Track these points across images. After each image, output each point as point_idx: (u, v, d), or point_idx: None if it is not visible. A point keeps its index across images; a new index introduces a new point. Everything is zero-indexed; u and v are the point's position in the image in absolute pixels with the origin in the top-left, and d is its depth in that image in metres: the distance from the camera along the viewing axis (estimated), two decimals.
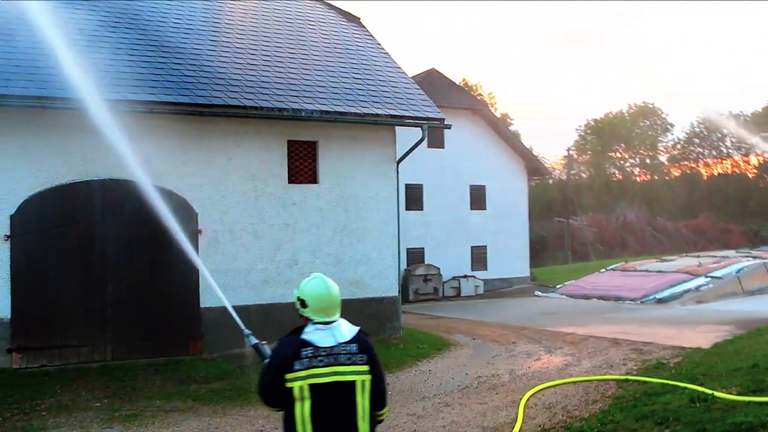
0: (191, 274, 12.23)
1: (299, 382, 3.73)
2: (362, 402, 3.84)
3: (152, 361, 11.61)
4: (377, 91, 14.05)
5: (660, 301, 20.79)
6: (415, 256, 25.61)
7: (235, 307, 12.30)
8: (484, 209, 26.98)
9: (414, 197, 25.62)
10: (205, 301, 12.31)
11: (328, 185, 13.43)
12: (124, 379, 10.44)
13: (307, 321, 3.95)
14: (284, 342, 3.93)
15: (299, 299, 4.00)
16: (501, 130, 27.69)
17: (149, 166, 11.75)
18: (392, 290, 13.99)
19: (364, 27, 16.85)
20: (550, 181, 51.59)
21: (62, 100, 11.05)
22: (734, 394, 7.72)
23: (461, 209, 26.57)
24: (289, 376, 3.74)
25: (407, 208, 25.41)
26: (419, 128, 14.32)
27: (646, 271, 24.63)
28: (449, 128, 14.19)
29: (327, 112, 12.78)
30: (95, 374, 10.75)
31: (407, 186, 25.37)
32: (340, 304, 4.05)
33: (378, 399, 4.00)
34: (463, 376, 10.75)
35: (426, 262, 25.59)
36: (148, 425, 8.10)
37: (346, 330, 3.95)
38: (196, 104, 11.80)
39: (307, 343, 3.81)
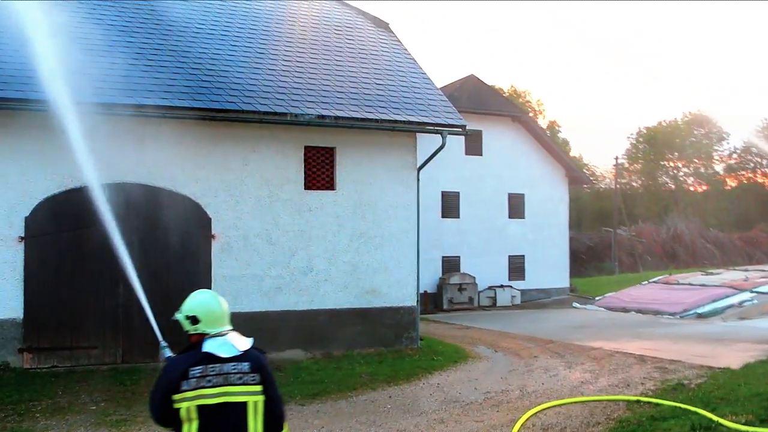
0: (204, 278, 12.23)
1: (186, 403, 3.55)
2: (254, 424, 3.64)
3: (158, 365, 11.59)
4: (398, 97, 13.81)
5: (700, 316, 19.91)
6: (451, 264, 25.24)
7: (247, 314, 12.40)
8: (523, 218, 26.41)
9: (450, 205, 25.27)
10: None
11: (346, 192, 13.25)
12: (127, 382, 10.46)
13: (200, 338, 3.76)
14: (174, 360, 3.75)
15: (188, 317, 3.82)
16: (541, 137, 27.07)
17: (163, 171, 11.89)
18: (410, 300, 13.71)
19: (392, 33, 16.65)
20: (601, 189, 50.34)
21: (80, 105, 11.19)
22: (743, 423, 7.18)
23: (499, 218, 26.06)
24: (176, 396, 3.56)
25: (443, 216, 25.15)
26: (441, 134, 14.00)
27: (689, 284, 23.66)
28: (470, 135, 13.80)
29: (343, 117, 12.61)
30: (102, 377, 10.80)
31: (443, 193, 25.11)
32: (229, 316, 3.96)
33: (273, 421, 3.77)
34: (471, 391, 10.39)
35: (462, 271, 25.19)
36: (134, 431, 8.04)
37: (240, 342, 3.75)
38: (209, 109, 11.78)
39: (203, 359, 3.61)
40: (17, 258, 11.18)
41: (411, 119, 13.16)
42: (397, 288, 13.56)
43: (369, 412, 9.03)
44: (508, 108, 26.61)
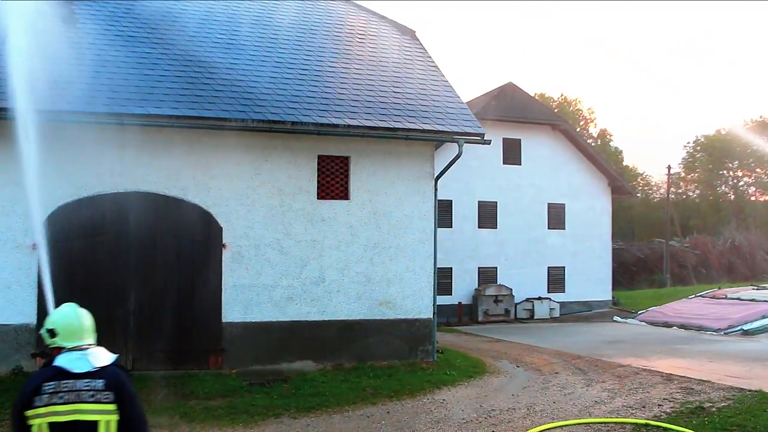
0: (214, 287, 12.24)
1: (38, 420, 3.44)
2: None
3: (170, 373, 11.65)
4: (415, 105, 13.58)
5: (746, 333, 18.91)
6: (488, 275, 24.75)
7: (258, 324, 12.32)
8: (563, 228, 25.70)
9: (487, 215, 24.81)
10: (227, 316, 12.26)
11: (360, 201, 13.07)
12: None
13: (58, 352, 3.64)
14: (31, 376, 3.64)
15: (48, 331, 3.69)
16: (583, 146, 26.32)
17: (175, 180, 11.96)
18: (426, 312, 13.40)
19: (417, 40, 16.43)
20: (655, 199, 48.73)
21: (93, 115, 11.40)
22: None
23: (538, 228, 25.44)
24: (29, 413, 3.45)
25: (480, 226, 24.73)
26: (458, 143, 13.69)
27: (738, 299, 22.52)
28: (489, 143, 13.47)
29: (355, 126, 12.45)
30: None
31: (480, 203, 24.71)
32: (92, 330, 3.82)
33: None
34: (476, 408, 10.03)
35: (499, 283, 24.68)
36: None
37: (99, 357, 3.60)
38: (218, 119, 11.81)
39: (56, 374, 3.49)
40: (31, 265, 11.40)
41: (426, 128, 12.90)
42: (413, 300, 13.28)
43: (360, 428, 8.80)
44: (548, 116, 25.98)
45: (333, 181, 13.00)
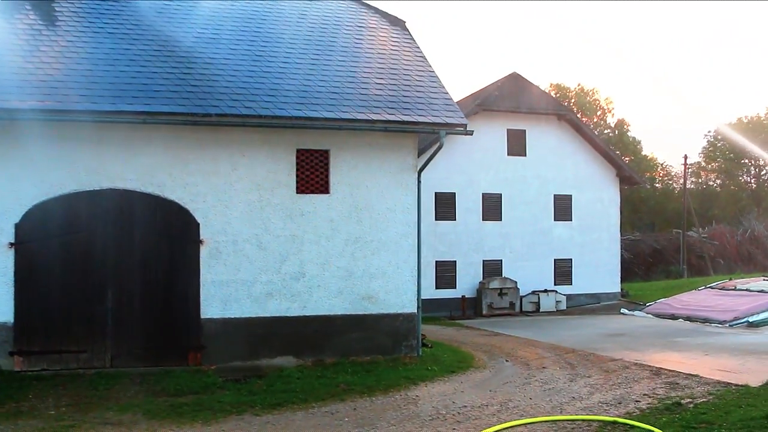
0: (192, 284, 12.18)
1: None
2: None
3: (148, 370, 11.62)
4: (397, 96, 13.35)
5: (751, 325, 18.42)
6: (492, 268, 24.46)
7: (237, 320, 12.27)
8: (570, 220, 25.28)
9: (492, 207, 24.50)
10: (206, 312, 12.19)
11: (341, 195, 12.90)
12: (101, 387, 10.48)
13: None
14: None
15: None
16: (589, 136, 25.83)
17: (151, 176, 11.92)
18: (410, 306, 13.19)
19: (407, 31, 16.16)
20: (676, 190, 47.80)
21: (67, 113, 11.39)
22: None
23: (544, 220, 25.06)
24: None
25: (484, 219, 24.43)
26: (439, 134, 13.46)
27: (747, 290, 21.94)
28: (471, 134, 13.15)
29: (331, 119, 12.28)
30: (83, 381, 10.89)
31: (484, 195, 24.42)
32: None
33: None
34: (447, 404, 9.82)
35: (504, 276, 24.38)
36: None
37: None
38: (190, 114, 11.71)
39: None
40: (8, 264, 11.43)
41: (406, 119, 12.67)
42: (396, 294, 13.08)
43: (320, 425, 8.65)
44: (554, 106, 25.52)
45: (313, 175, 12.85)
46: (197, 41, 13.73)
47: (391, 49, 15.13)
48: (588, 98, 48.29)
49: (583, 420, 8.68)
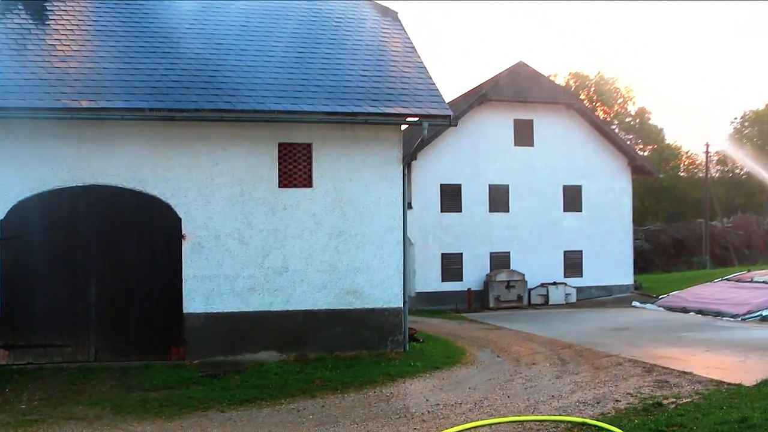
0: (175, 278, 12.19)
1: None
2: None
3: (130, 364, 11.69)
4: (381, 88, 13.16)
5: (765, 319, 17.88)
6: (500, 260, 24.16)
7: (220, 314, 12.25)
8: (580, 211, 24.84)
9: (499, 199, 24.18)
10: (188, 307, 12.20)
11: (324, 189, 12.79)
12: (78, 381, 10.57)
13: None
14: None
15: None
16: (599, 125, 25.31)
17: (133, 172, 11.93)
18: (395, 301, 13.04)
19: (398, 22, 15.91)
20: (712, 177, 46.55)
21: (50, 110, 11.45)
22: None
23: (553, 211, 24.66)
24: None
25: (491, 210, 24.12)
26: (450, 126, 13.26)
27: (764, 282, 21.31)
28: (455, 125, 12.94)
29: (310, 112, 12.17)
30: (63, 375, 10.98)
31: (491, 187, 24.12)
32: None
33: None
34: (420, 402, 9.65)
35: (512, 268, 24.06)
36: None
37: None
38: (168, 110, 11.71)
39: None
40: None
41: (388, 111, 12.49)
42: (381, 289, 12.94)
43: (282, 422, 8.57)
44: (561, 95, 25.04)
45: (295, 169, 12.75)
46: (183, 37, 13.71)
47: (381, 41, 14.92)
48: (608, 86, 47.38)
49: (552, 421, 8.44)
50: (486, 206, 24.02)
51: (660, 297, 23.24)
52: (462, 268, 23.74)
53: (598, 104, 47.61)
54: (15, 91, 11.50)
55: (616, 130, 48.08)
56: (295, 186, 12.72)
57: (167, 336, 12.15)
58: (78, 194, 11.93)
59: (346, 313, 12.81)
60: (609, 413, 8.81)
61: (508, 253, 24.22)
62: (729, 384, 10.31)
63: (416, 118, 12.56)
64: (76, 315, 11.89)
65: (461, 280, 23.67)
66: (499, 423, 8.40)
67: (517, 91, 23.85)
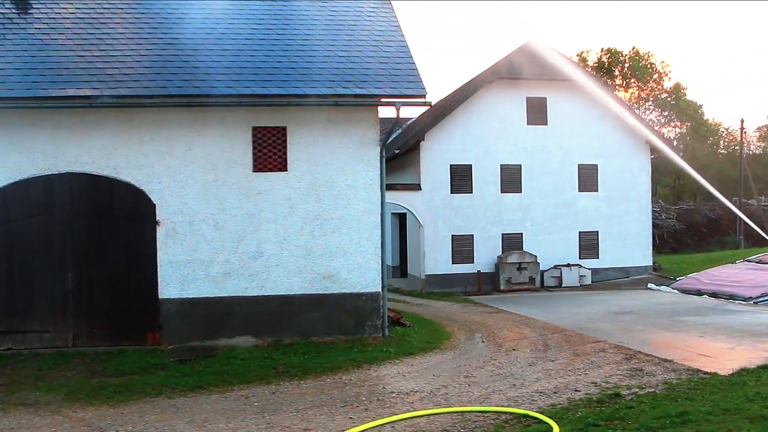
0: (150, 264, 12.27)
1: None
2: None
3: (106, 349, 11.85)
4: (357, 69, 12.89)
5: None
6: (512, 242, 23.72)
7: (195, 299, 12.27)
8: (596, 191, 24.15)
9: (511, 179, 23.68)
10: (164, 293, 12.28)
11: (299, 173, 12.66)
12: (44, 367, 10.75)
13: None
14: None
15: None
16: (615, 102, 24.46)
17: (107, 159, 12.01)
18: (373, 286, 12.87)
19: (386, 1, 15.57)
20: (753, 154, 44.89)
21: (24, 99, 11.59)
22: None
23: (567, 191, 24.04)
24: None
25: (503, 191, 23.65)
26: (425, 106, 13.03)
27: None
28: (429, 105, 12.61)
29: (280, 95, 12.03)
30: (37, 360, 11.19)
31: (502, 167, 23.64)
32: None
33: None
34: (376, 390, 9.50)
35: (525, 249, 23.60)
36: None
37: None
38: (136, 96, 11.73)
39: None
40: None
41: (359, 92, 12.25)
42: (358, 273, 12.79)
43: (225, 409, 8.54)
44: (576, 72, 24.25)
45: (270, 153, 12.64)
46: (162, 22, 13.66)
47: (365, 20, 14.62)
48: (643, 62, 45.76)
49: (495, 412, 8.19)
50: (498, 187, 23.56)
51: (677, 279, 22.50)
52: (473, 250, 23.39)
53: (632, 80, 46.15)
54: None
55: (651, 107, 46.71)
56: (269, 170, 12.62)
57: (143, 321, 12.26)
58: (54, 182, 12.07)
59: (323, 297, 12.71)
60: (560, 404, 8.51)
61: (521, 234, 23.74)
62: (704, 373, 9.89)
63: (388, 99, 12.28)
64: (55, 301, 12.09)
65: (472, 262, 23.33)
66: (440, 413, 8.19)
67: (529, 68, 23.20)
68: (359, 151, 12.79)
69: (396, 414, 8.18)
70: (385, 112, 14.07)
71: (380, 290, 12.94)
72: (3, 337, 11.96)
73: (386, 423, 7.76)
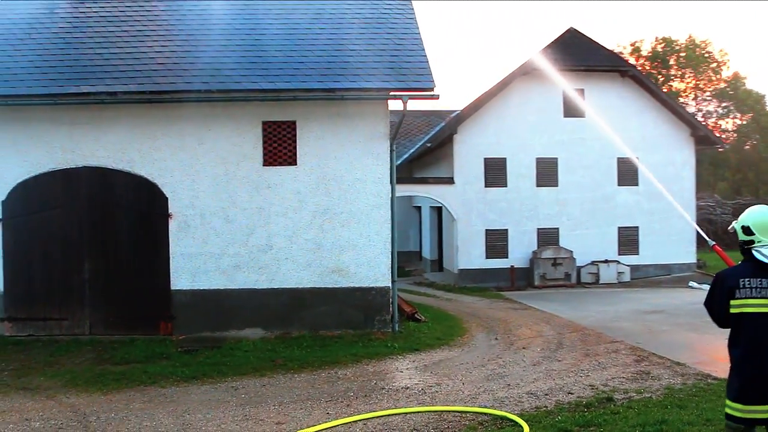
0: (162, 256, 12.56)
1: (735, 310, 4.36)
2: None
3: (120, 338, 12.21)
4: (367, 62, 12.83)
5: None
6: (548, 237, 23.24)
7: (205, 291, 12.50)
8: (636, 185, 23.39)
9: (546, 172, 23.18)
10: (176, 284, 12.55)
11: (308, 167, 12.72)
12: (56, 354, 11.16)
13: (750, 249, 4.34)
14: (727, 271, 4.44)
15: (743, 228, 4.39)
16: (657, 93, 23.60)
17: (122, 154, 12.34)
18: (382, 280, 12.82)
19: None
20: None
21: (42, 96, 12.04)
22: None
23: (606, 185, 23.37)
24: (732, 302, 4.35)
25: (538, 185, 23.19)
26: (432, 99, 12.88)
27: None
28: (437, 98, 12.42)
29: (287, 89, 12.09)
30: (53, 347, 11.64)
31: (538, 160, 23.18)
32: None
33: None
34: (366, 386, 9.45)
35: (561, 245, 23.10)
36: None
37: None
38: (153, 92, 12.03)
39: (754, 270, 4.34)
40: None
41: (366, 86, 12.19)
42: (368, 267, 12.77)
43: (211, 400, 8.66)
44: (615, 62, 23.50)
45: (280, 147, 12.74)
46: (174, 20, 13.94)
47: (381, 13, 14.55)
48: (699, 51, 43.94)
49: (475, 413, 8.03)
50: (533, 180, 23.11)
51: None
52: (507, 244, 23.03)
53: (687, 70, 44.40)
54: (9, 80, 12.13)
55: (709, 97, 44.92)
56: (279, 164, 12.72)
57: (156, 312, 12.57)
58: (71, 176, 12.49)
59: (332, 291, 12.75)
60: (545, 407, 8.27)
61: (557, 229, 23.24)
62: (713, 379, 9.49)
63: (395, 92, 12.17)
64: (72, 290, 12.52)
65: (506, 257, 22.98)
66: (416, 412, 8.10)
67: (566, 59, 22.61)
68: (368, 145, 12.75)
69: (378, 410, 8.13)
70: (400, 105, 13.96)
71: (389, 285, 12.89)
72: (25, 324, 12.46)
73: (359, 420, 7.72)
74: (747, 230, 4.37)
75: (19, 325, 12.46)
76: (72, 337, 12.28)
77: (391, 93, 12.26)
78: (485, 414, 7.92)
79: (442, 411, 8.11)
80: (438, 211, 26.95)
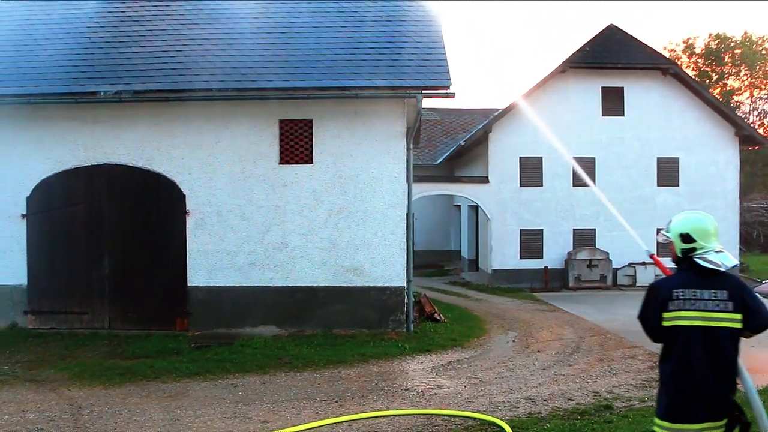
0: (180, 253, 12.73)
1: (668, 323, 4.11)
2: None
3: (137, 333, 12.43)
4: (384, 61, 12.73)
5: None
6: (584, 238, 22.70)
7: (221, 288, 12.63)
8: (677, 186, 22.62)
9: (584, 172, 22.59)
10: (192, 280, 12.70)
11: (324, 165, 12.70)
12: (71, 347, 11.42)
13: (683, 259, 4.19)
14: (660, 282, 4.24)
15: (681, 236, 4.19)
16: (700, 92, 22.75)
17: (141, 151, 12.58)
18: (397, 280, 12.71)
19: None
20: None
21: (62, 95, 12.36)
22: None
23: (645, 186, 22.67)
24: (665, 314, 4.11)
25: (575, 185, 22.68)
26: (448, 98, 12.70)
27: None
28: (453, 97, 12.19)
29: (302, 88, 12.10)
30: (71, 340, 11.94)
31: (575, 159, 22.55)
32: (717, 234, 4.27)
33: None
34: (365, 386, 9.36)
35: (597, 246, 22.54)
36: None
37: (732, 259, 4.19)
38: (171, 90, 12.19)
39: (687, 281, 4.15)
40: (21, 233, 12.75)
41: (381, 84, 12.10)
42: (383, 267, 12.67)
43: (208, 397, 8.71)
44: (656, 59, 22.73)
45: (296, 145, 12.75)
46: (192, 20, 14.08)
47: (405, 11, 14.42)
48: (755, 47, 42.19)
49: (465, 417, 7.86)
50: (569, 180, 22.60)
51: (763, 282, 20.70)
52: (542, 245, 22.59)
53: (743, 67, 42.74)
54: (34, 79, 12.48)
55: (766, 95, 43.17)
56: (295, 162, 12.73)
57: (173, 307, 12.74)
58: (93, 173, 12.77)
59: (346, 290, 12.71)
60: (539, 413, 8.04)
61: (594, 230, 22.67)
62: None
63: (410, 90, 12.04)
64: (92, 285, 12.80)
65: (541, 257, 22.55)
66: (404, 415, 7.97)
67: (605, 56, 22.05)
68: (385, 144, 12.65)
69: (372, 411, 8.04)
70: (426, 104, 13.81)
71: (404, 285, 12.76)
72: (47, 317, 12.81)
73: (345, 421, 7.65)
74: (687, 238, 4.11)
75: (42, 318, 12.81)
76: (91, 331, 12.56)
77: (407, 91, 12.12)
78: (474, 419, 7.74)
79: (430, 414, 7.97)
80: (475, 210, 26.62)
